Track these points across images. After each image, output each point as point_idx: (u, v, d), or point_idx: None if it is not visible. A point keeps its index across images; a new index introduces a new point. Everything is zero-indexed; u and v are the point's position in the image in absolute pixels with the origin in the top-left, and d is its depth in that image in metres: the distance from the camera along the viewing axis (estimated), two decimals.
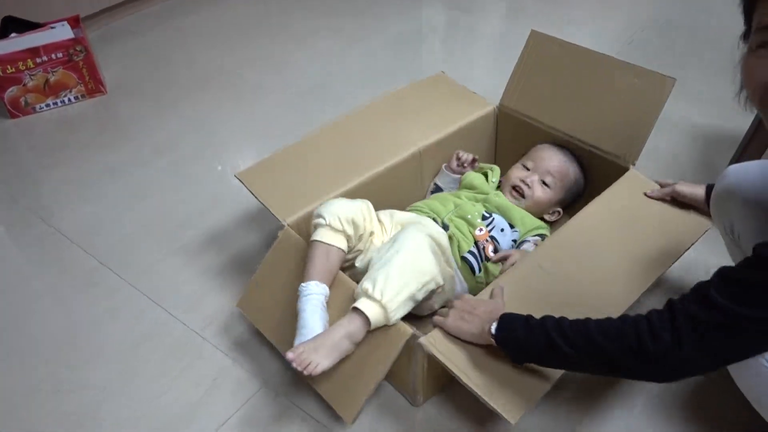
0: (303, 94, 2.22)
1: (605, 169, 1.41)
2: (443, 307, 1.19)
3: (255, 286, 1.24)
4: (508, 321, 0.96)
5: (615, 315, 0.91)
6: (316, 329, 1.04)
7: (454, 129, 1.50)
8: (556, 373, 0.98)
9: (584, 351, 0.87)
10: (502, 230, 1.32)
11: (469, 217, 1.32)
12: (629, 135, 1.38)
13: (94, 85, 2.17)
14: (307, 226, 1.23)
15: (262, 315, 1.24)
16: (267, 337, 1.24)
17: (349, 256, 1.19)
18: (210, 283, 1.48)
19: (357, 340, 1.04)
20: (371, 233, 1.21)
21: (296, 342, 1.04)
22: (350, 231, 1.14)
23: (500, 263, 1.27)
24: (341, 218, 1.13)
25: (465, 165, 1.50)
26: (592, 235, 1.22)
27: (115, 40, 2.56)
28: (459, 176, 1.50)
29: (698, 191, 1.24)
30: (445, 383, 1.19)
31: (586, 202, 1.36)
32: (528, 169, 1.43)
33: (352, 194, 1.30)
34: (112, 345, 1.35)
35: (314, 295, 1.09)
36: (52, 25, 2.12)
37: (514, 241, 1.34)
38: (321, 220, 1.14)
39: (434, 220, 1.32)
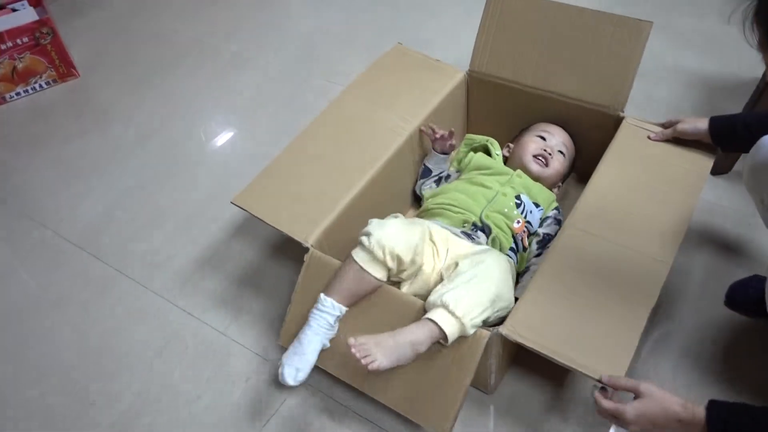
0: (285, 60, 2.14)
1: (595, 120, 1.42)
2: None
3: (293, 317, 1.19)
4: None
5: (662, 277, 1.03)
6: (309, 355, 1.06)
7: (433, 106, 1.45)
8: (639, 328, 1.01)
9: None
10: (531, 212, 1.32)
11: (506, 210, 1.28)
12: (613, 83, 1.38)
13: (65, 69, 2.06)
14: (328, 242, 1.21)
15: None
16: (321, 366, 1.14)
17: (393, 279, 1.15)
18: (226, 279, 1.46)
19: (419, 350, 1.01)
20: (420, 266, 1.15)
21: (286, 355, 1.07)
22: (391, 264, 1.08)
23: None
24: (386, 249, 1.06)
25: (443, 138, 1.42)
26: (614, 194, 1.23)
27: (77, 14, 2.41)
28: (447, 156, 1.47)
29: (701, 126, 1.24)
30: (510, 363, 1.23)
31: (589, 158, 1.41)
32: (545, 140, 1.42)
33: (361, 199, 1.27)
34: (137, 351, 1.34)
35: (325, 314, 1.08)
36: (12, 6, 1.99)
37: (540, 219, 1.34)
38: (365, 240, 1.08)
39: (471, 223, 1.26)
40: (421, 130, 1.42)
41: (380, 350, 0.97)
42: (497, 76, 1.51)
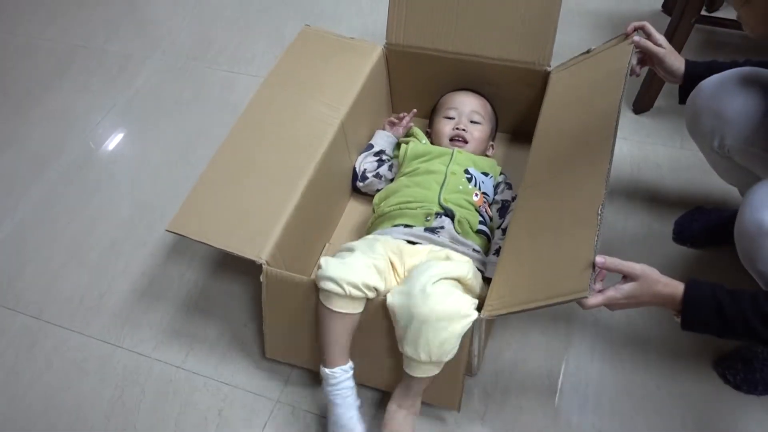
0: (179, 55, 1.97)
1: (523, 77, 1.40)
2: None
3: (270, 330, 1.15)
4: (696, 313, 0.88)
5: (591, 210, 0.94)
6: (358, 429, 1.03)
7: (358, 88, 1.38)
8: (592, 239, 0.93)
9: None
10: (483, 182, 1.30)
11: (461, 187, 1.25)
12: (536, 37, 1.36)
13: None
14: (281, 252, 1.13)
15: (295, 351, 1.16)
16: (313, 368, 1.15)
17: None
18: (170, 308, 1.35)
19: (417, 410, 1.05)
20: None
21: None
22: (371, 295, 1.03)
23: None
24: (360, 286, 1.01)
25: (404, 120, 1.50)
26: (555, 147, 1.20)
27: None
28: (391, 135, 1.49)
29: (678, 66, 1.13)
30: (487, 341, 1.21)
31: (521, 117, 1.45)
32: (453, 118, 1.40)
33: (305, 200, 1.19)
34: (88, 407, 1.21)
35: (344, 383, 1.03)
36: None
37: (493, 186, 1.33)
38: (337, 289, 1.00)
39: (433, 213, 1.21)
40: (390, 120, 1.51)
41: None
42: (416, 46, 1.46)
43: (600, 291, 0.91)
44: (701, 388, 1.14)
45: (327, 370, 1.03)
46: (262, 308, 1.13)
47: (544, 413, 1.13)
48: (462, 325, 0.98)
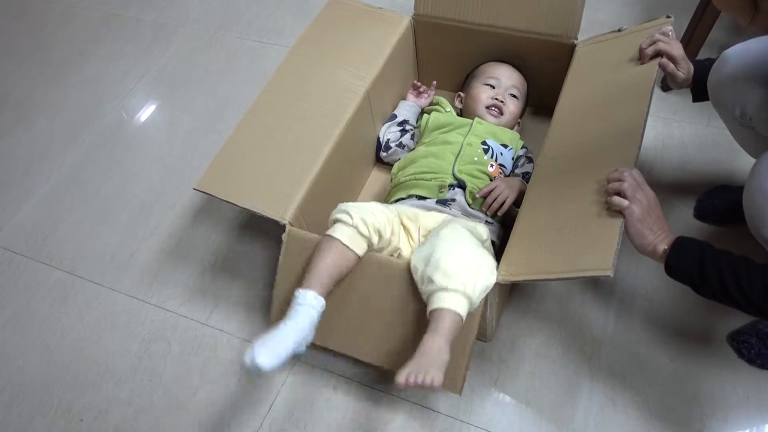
0: (210, 25, 2.01)
1: (549, 51, 1.39)
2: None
3: (280, 297, 1.14)
4: (681, 253, 0.90)
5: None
6: (288, 343, 0.92)
7: (384, 58, 1.39)
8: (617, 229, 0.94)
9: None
10: (501, 154, 1.31)
11: (476, 159, 1.27)
12: (563, 9, 1.36)
13: None
14: (304, 215, 1.16)
15: None
16: (320, 343, 1.10)
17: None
18: (197, 268, 1.39)
19: (447, 356, 0.92)
20: (397, 249, 1.11)
21: (260, 342, 0.91)
22: (375, 239, 1.05)
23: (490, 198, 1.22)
24: (368, 223, 1.04)
25: (424, 91, 1.53)
26: (577, 121, 1.21)
27: None
28: (414, 105, 1.51)
29: (690, 70, 1.13)
30: (503, 308, 1.23)
31: (545, 90, 1.41)
32: (493, 87, 1.40)
33: (329, 166, 1.22)
34: (117, 357, 1.27)
35: (307, 307, 0.97)
36: None
37: (512, 159, 1.34)
38: (347, 218, 1.03)
39: (447, 185, 1.23)
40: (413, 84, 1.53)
41: (428, 367, 0.88)
42: (443, 17, 1.46)
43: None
44: (714, 362, 1.14)
45: (300, 290, 0.99)
46: (277, 270, 1.14)
47: (556, 380, 1.15)
48: (488, 265, 0.99)
